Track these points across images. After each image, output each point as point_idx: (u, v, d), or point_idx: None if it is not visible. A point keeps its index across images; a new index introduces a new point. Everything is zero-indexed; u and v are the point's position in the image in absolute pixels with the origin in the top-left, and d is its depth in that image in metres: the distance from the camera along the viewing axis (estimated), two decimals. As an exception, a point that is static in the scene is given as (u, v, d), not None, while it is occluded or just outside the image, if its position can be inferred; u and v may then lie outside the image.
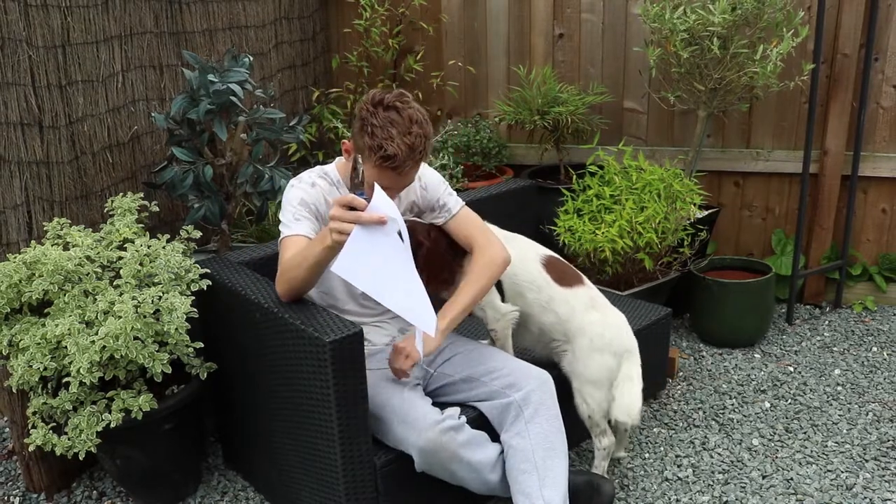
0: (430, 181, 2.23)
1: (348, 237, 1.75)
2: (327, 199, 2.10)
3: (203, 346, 2.25)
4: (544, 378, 2.14)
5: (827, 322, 3.47)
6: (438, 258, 2.18)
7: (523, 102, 3.52)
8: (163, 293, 2.15)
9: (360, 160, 1.79)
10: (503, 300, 2.28)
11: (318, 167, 2.17)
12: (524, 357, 2.27)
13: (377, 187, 1.79)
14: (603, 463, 2.36)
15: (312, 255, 1.89)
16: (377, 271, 1.78)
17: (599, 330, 2.26)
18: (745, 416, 2.78)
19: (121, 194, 2.45)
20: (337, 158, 2.22)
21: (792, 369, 3.09)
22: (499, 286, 2.26)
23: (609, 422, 2.33)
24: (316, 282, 2.02)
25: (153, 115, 2.64)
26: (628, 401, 2.28)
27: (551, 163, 3.73)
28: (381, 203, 1.77)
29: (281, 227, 2.07)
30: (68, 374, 2.08)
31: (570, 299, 2.27)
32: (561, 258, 2.36)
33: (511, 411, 2.09)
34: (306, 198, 2.07)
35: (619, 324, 2.33)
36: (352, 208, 1.76)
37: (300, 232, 2.03)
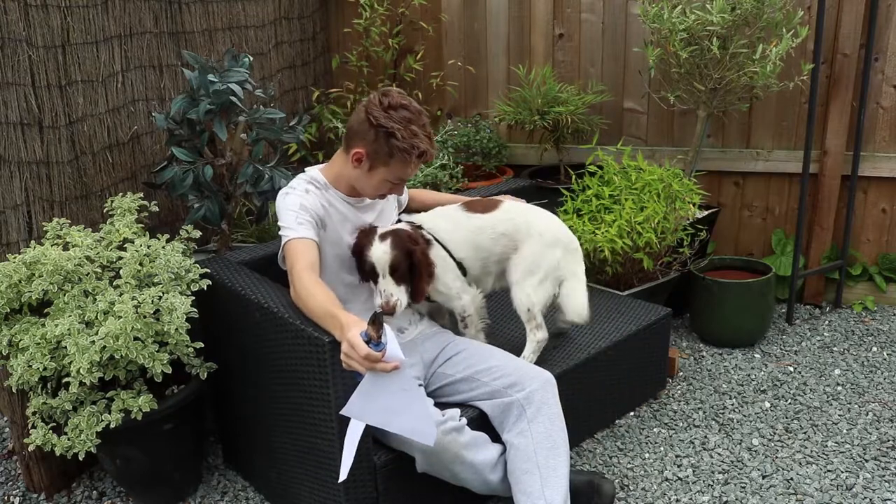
0: None
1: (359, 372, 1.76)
2: (323, 205, 2.14)
3: (203, 346, 2.25)
4: (547, 377, 2.14)
5: (827, 322, 3.47)
6: (425, 266, 2.20)
7: (523, 102, 3.52)
8: (163, 293, 2.15)
9: (381, 317, 1.74)
10: (465, 277, 2.33)
11: (302, 174, 2.21)
12: (517, 353, 2.27)
13: (389, 332, 1.76)
14: (532, 356, 2.38)
15: (324, 324, 1.89)
16: (386, 406, 1.80)
17: (544, 225, 2.34)
18: (745, 416, 2.78)
19: (120, 194, 2.45)
20: (321, 165, 2.25)
21: (792, 369, 3.09)
22: (461, 267, 2.31)
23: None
24: None
25: (153, 115, 2.64)
26: (577, 301, 2.38)
27: (551, 163, 3.74)
28: (394, 348, 1.76)
29: (283, 231, 2.06)
30: (68, 374, 2.08)
31: (510, 210, 2.35)
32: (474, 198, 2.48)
33: (513, 410, 2.09)
34: (305, 203, 2.09)
35: (557, 220, 2.42)
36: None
37: (306, 235, 2.04)
